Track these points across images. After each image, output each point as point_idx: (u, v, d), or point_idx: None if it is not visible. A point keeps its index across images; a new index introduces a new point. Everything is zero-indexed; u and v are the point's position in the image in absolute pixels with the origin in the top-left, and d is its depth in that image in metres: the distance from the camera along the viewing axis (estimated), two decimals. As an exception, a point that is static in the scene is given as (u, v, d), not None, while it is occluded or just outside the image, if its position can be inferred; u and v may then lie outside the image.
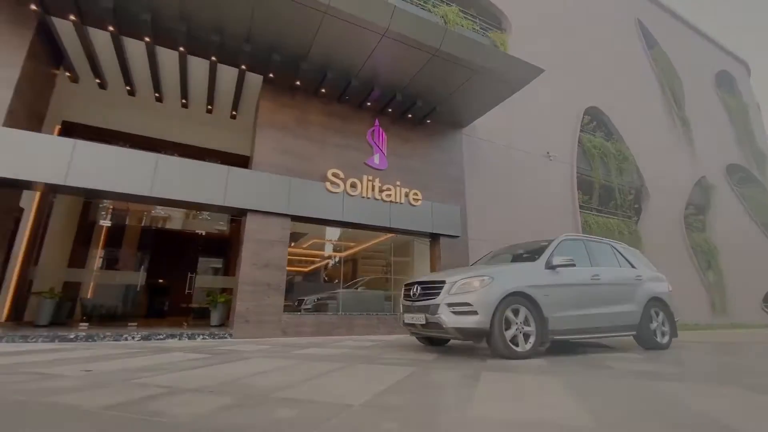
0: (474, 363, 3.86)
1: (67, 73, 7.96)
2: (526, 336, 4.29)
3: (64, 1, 6.17)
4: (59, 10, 6.39)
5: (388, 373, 3.14)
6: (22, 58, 6.17)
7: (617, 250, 5.66)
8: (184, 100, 9.06)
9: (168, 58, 7.67)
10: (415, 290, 4.84)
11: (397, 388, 2.58)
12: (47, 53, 7.04)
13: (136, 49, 7.43)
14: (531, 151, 12.22)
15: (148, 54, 7.48)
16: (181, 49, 7.23)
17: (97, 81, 8.29)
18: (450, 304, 4.23)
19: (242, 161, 9.78)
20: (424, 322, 4.47)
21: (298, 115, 8.35)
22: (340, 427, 1.73)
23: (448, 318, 4.20)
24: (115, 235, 11.49)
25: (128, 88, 8.53)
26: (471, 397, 2.33)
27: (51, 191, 7.27)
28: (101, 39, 7.13)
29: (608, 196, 14.59)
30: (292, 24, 6.85)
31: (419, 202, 9.03)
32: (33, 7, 6.16)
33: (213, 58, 7.51)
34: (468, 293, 4.21)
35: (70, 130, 8.97)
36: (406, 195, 8.95)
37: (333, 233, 9.92)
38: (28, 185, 6.19)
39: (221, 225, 14.00)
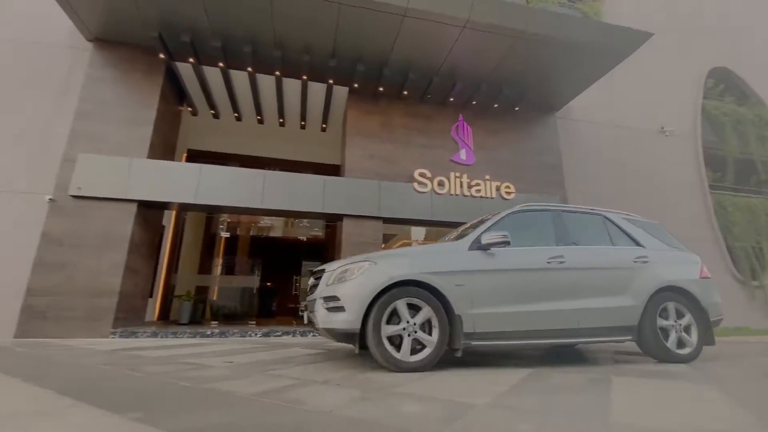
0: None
1: (189, 109, 9.33)
2: (420, 341, 3.16)
3: (184, 47, 7.24)
4: (181, 55, 7.53)
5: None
6: (156, 100, 7.40)
7: (613, 224, 4.18)
8: (281, 119, 9.96)
9: (266, 84, 8.52)
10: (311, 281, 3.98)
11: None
12: (173, 93, 8.34)
13: (241, 80, 8.40)
14: (641, 128, 10.75)
15: (250, 82, 8.40)
16: (277, 73, 7.96)
17: (212, 112, 9.57)
18: (324, 299, 3.33)
19: (334, 170, 10.37)
20: (307, 321, 3.71)
21: (383, 120, 8.56)
22: (469, 426, 1.68)
23: (320, 316, 3.29)
24: (231, 244, 13.10)
25: (236, 114, 9.68)
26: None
27: (183, 209, 8.58)
28: (213, 75, 8.22)
29: (748, 171, 12.11)
30: (373, 32, 7.07)
31: (512, 195, 8.56)
32: (162, 56, 7.35)
33: (304, 77, 8.11)
34: (340, 284, 3.27)
35: (193, 156, 10.51)
36: (497, 189, 8.56)
37: (419, 233, 9.94)
38: (167, 206, 7.40)
39: (317, 230, 15.04)
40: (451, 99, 8.80)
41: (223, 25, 6.99)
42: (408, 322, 3.15)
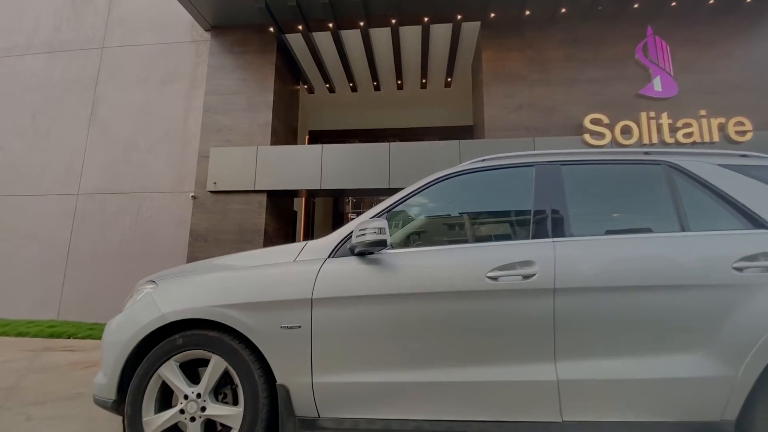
0: None
1: (305, 86, 8.74)
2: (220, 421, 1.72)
3: (292, 12, 6.39)
4: (289, 24, 6.74)
5: None
6: (272, 81, 6.84)
7: (694, 180, 1.89)
8: (398, 81, 8.65)
9: (381, 40, 7.23)
10: None
11: None
12: (288, 71, 7.75)
13: (353, 42, 7.30)
14: None
15: (363, 42, 7.22)
16: (393, 21, 6.56)
17: (327, 86, 8.82)
18: None
19: (464, 133, 8.71)
20: None
21: (532, 56, 6.46)
22: None
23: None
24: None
25: (351, 84, 8.74)
26: None
27: (311, 196, 8.18)
28: (324, 42, 7.29)
29: None
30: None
31: (747, 136, 5.63)
32: (271, 29, 6.68)
33: (425, 20, 6.53)
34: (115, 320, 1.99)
35: (315, 137, 10.11)
36: (722, 128, 5.72)
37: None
38: (296, 193, 6.95)
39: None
40: (636, 5, 6.08)
41: (328, -26, 5.87)
42: (187, 397, 1.74)
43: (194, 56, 7.40)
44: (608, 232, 1.94)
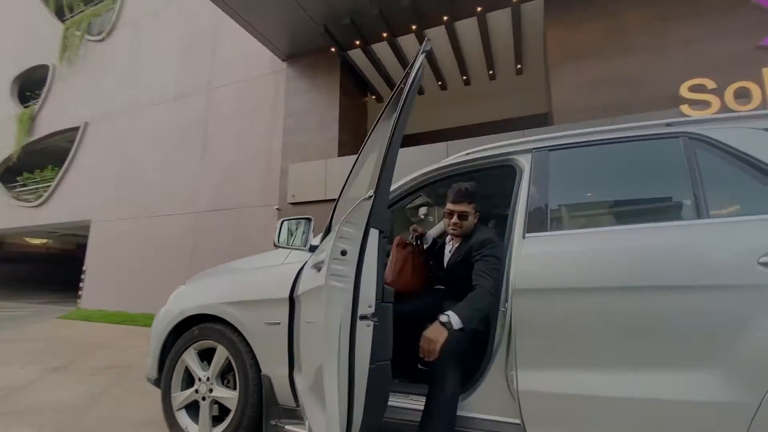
0: None
1: (373, 96, 9.12)
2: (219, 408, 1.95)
3: (349, 30, 6.79)
4: (348, 41, 7.16)
5: None
6: (337, 97, 7.34)
7: (722, 150, 1.45)
8: (464, 77, 8.41)
9: (438, 38, 7.17)
10: None
11: None
12: (354, 86, 8.20)
13: (410, 47, 7.39)
14: None
15: (420, 45, 7.25)
16: (445, 18, 6.46)
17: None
18: None
19: (542, 120, 8.00)
20: None
21: (608, 25, 5.65)
22: None
23: None
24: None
25: (416, 88, 8.81)
26: None
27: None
28: (383, 51, 7.53)
29: None
30: None
31: None
32: (333, 49, 7.19)
33: (479, 9, 6.27)
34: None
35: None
36: None
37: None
38: (363, 200, 7.30)
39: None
40: (746, -65, 4.86)
41: (376, -13, 6.09)
42: (200, 379, 2.05)
43: (274, 85, 8.39)
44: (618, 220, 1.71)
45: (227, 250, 7.98)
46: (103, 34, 11.92)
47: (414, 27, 6.66)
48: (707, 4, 5.10)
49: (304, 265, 1.95)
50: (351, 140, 7.76)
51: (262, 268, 2.21)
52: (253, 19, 6.87)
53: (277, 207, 7.47)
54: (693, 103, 4.88)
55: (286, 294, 1.92)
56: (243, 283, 2.16)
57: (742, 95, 4.70)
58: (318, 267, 1.51)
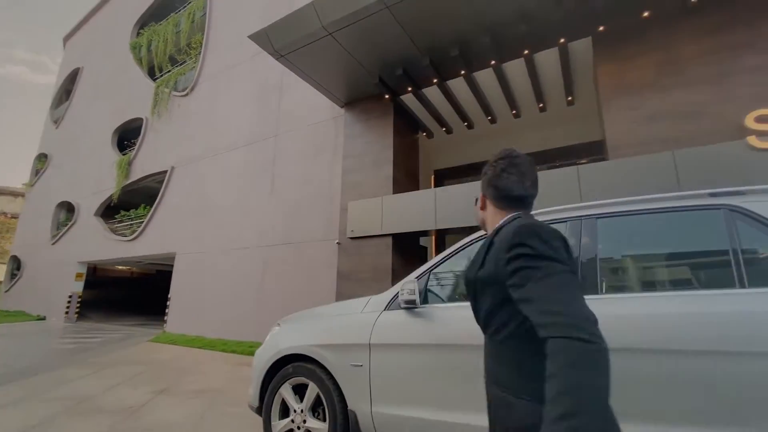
0: None
1: (424, 134, 9.60)
2: None
3: (401, 80, 7.38)
4: (401, 88, 7.75)
5: None
6: (391, 139, 7.89)
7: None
8: (513, 111, 8.61)
9: (486, 80, 7.53)
10: None
11: None
12: (406, 126, 8.74)
13: (460, 88, 7.81)
14: None
15: (468, 86, 7.65)
16: (493, 62, 6.81)
17: (443, 129, 9.46)
18: None
19: (595, 149, 7.93)
20: None
21: (661, 59, 5.64)
22: None
23: None
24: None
25: (465, 124, 9.16)
26: None
27: (425, 234, 8.74)
28: (434, 94, 8.03)
29: None
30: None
31: None
32: (386, 96, 7.80)
33: (525, 52, 6.55)
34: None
35: (440, 176, 10.78)
36: None
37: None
38: (415, 234, 7.66)
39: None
40: (810, -38, 4.72)
41: (425, 41, 6.61)
42: (295, 411, 2.42)
43: (334, 129, 9.19)
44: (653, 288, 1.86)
45: (293, 280, 8.67)
46: (187, 90, 13.80)
47: (463, 72, 7.07)
48: (770, 33, 4.95)
49: (379, 315, 2.32)
50: (403, 178, 8.23)
51: (346, 315, 2.57)
52: (315, 74, 7.72)
53: (337, 241, 8.05)
54: (760, 134, 4.70)
55: (367, 341, 2.29)
56: (330, 329, 2.54)
57: (819, 124, 4.45)
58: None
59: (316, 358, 2.43)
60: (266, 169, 10.22)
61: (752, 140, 4.73)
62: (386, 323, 2.27)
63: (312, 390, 2.41)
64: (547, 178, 6.17)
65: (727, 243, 1.74)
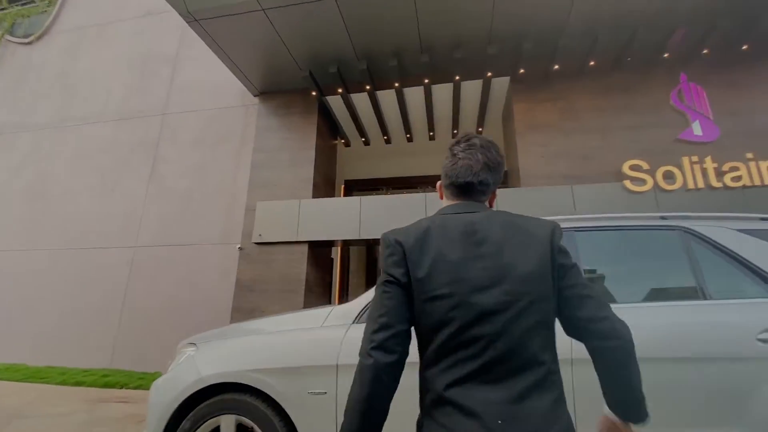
0: None
1: (342, 141, 9.28)
2: None
3: (333, 78, 6.98)
4: (330, 88, 7.33)
5: None
6: (314, 139, 7.34)
7: (713, 246, 1.92)
8: (431, 133, 9.03)
9: (414, 98, 7.71)
10: None
11: None
12: (328, 129, 8.29)
13: (388, 101, 7.81)
14: None
15: (398, 100, 7.70)
16: (426, 81, 7.01)
17: (362, 140, 9.31)
18: None
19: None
20: None
21: (563, 107, 6.63)
22: None
23: None
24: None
25: (385, 137, 9.20)
26: None
27: (347, 245, 8.38)
28: (361, 102, 7.84)
29: None
30: (544, -6, 5.39)
31: (802, 177, 5.39)
32: (313, 93, 7.29)
33: (456, 78, 6.93)
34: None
35: (349, 186, 10.52)
36: (773, 170, 5.52)
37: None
38: (333, 243, 7.17)
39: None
40: (666, 54, 6.22)
41: (366, 45, 6.42)
42: None
43: (244, 118, 8.10)
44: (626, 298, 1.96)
45: (173, 291, 7.14)
46: (32, 38, 10.54)
47: (396, 84, 7.08)
48: (641, 101, 6.31)
49: (347, 329, 1.87)
50: (323, 182, 7.71)
51: (298, 330, 2.02)
52: (232, 52, 6.71)
53: (239, 246, 6.96)
54: (633, 180, 5.85)
55: (335, 361, 1.80)
56: (278, 347, 1.95)
57: (669, 177, 5.77)
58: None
59: (259, 387, 1.82)
60: (147, 151, 8.35)
61: (627, 184, 5.85)
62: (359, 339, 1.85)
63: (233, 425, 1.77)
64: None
65: (684, 259, 1.91)
